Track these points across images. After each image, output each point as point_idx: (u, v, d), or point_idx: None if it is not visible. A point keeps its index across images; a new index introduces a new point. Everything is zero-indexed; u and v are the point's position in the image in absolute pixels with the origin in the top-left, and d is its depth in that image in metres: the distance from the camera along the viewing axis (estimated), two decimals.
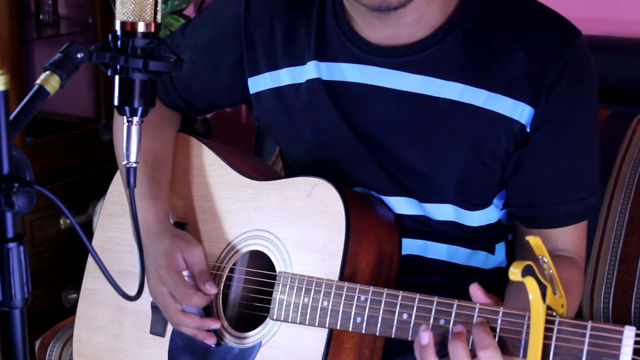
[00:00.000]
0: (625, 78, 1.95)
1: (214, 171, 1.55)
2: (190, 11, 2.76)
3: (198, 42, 1.56)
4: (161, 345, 1.52)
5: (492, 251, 1.51)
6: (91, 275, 1.65)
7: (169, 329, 1.52)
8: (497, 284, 1.49)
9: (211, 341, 1.44)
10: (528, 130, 1.37)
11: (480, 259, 1.50)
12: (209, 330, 1.45)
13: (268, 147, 2.35)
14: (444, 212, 1.45)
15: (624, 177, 1.83)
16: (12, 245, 0.94)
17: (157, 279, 1.44)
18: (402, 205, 1.45)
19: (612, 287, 1.79)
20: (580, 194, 1.42)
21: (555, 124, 1.37)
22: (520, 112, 1.36)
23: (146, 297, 1.53)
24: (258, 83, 1.51)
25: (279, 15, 1.48)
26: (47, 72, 1.03)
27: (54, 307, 2.78)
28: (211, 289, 1.42)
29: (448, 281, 1.48)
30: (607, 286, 1.80)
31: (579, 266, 1.45)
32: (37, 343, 1.90)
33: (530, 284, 1.08)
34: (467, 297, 1.21)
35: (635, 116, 1.90)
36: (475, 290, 1.19)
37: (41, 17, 2.90)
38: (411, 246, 1.46)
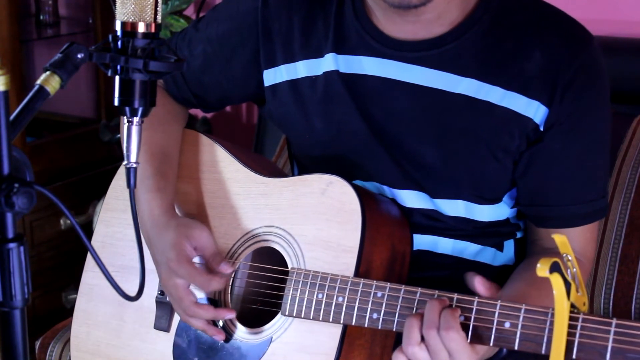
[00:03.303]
0: (625, 78, 1.95)
1: (224, 167, 1.55)
2: (190, 11, 2.76)
3: (212, 36, 1.57)
4: (165, 341, 1.52)
5: (500, 248, 1.52)
6: (91, 270, 1.65)
7: (174, 324, 1.51)
8: (504, 281, 1.49)
9: (220, 337, 1.44)
10: (541, 129, 1.39)
11: (488, 256, 1.51)
12: (216, 325, 1.45)
13: (268, 147, 2.35)
14: (454, 207, 1.46)
15: (624, 177, 1.84)
16: (12, 245, 0.94)
17: (169, 272, 1.44)
18: (413, 199, 1.46)
19: (612, 288, 1.79)
20: (590, 196, 1.44)
21: (568, 125, 1.39)
22: (534, 110, 1.38)
23: (149, 293, 1.53)
24: (274, 75, 1.52)
25: (296, 8, 1.50)
26: (47, 73, 1.03)
27: (54, 307, 2.78)
28: (227, 269, 1.42)
29: (456, 277, 1.48)
30: (607, 287, 1.80)
31: (582, 267, 1.46)
32: (38, 343, 1.90)
33: (556, 280, 1.08)
34: (475, 293, 1.22)
35: (635, 116, 1.90)
36: (477, 283, 1.20)
37: (41, 17, 2.90)
38: (421, 242, 1.48)
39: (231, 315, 1.44)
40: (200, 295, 1.46)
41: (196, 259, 1.45)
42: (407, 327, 1.22)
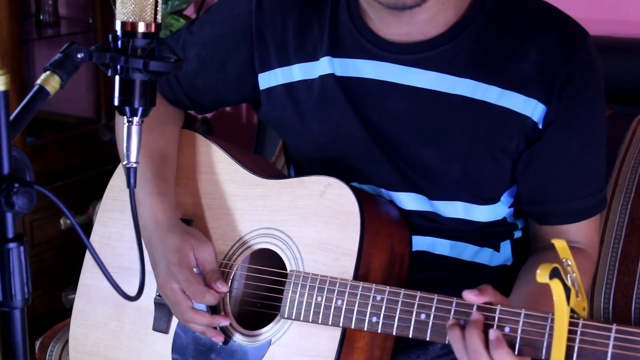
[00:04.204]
0: (625, 78, 1.95)
1: (222, 168, 1.55)
2: (190, 11, 2.76)
3: (206, 39, 1.56)
4: (164, 342, 1.52)
5: (497, 249, 1.52)
6: (89, 271, 1.64)
7: (173, 325, 1.51)
8: (501, 281, 1.50)
9: (219, 339, 1.44)
10: (540, 127, 1.40)
11: (486, 256, 1.51)
12: (215, 328, 1.45)
13: (268, 147, 2.35)
14: (453, 209, 1.46)
15: (624, 177, 1.84)
16: (12, 245, 0.94)
17: (168, 275, 1.44)
18: (411, 201, 1.46)
19: (612, 288, 1.79)
20: (590, 190, 1.45)
21: (566, 122, 1.39)
22: (532, 109, 1.38)
23: (148, 294, 1.53)
24: (269, 79, 1.52)
25: (291, 11, 1.49)
26: (47, 73, 1.03)
27: (54, 307, 2.78)
28: (222, 288, 1.43)
29: (453, 277, 1.49)
30: (607, 286, 1.80)
31: (588, 256, 1.47)
32: (38, 343, 1.90)
33: (556, 286, 1.08)
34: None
35: (635, 116, 1.90)
36: (467, 295, 1.20)
37: (41, 17, 2.90)
38: (419, 243, 1.48)
39: (226, 322, 1.44)
40: None
41: (195, 270, 1.45)
42: (452, 341, 1.21)
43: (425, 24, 1.40)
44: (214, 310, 1.46)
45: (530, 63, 1.38)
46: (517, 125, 1.39)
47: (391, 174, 1.45)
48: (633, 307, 1.77)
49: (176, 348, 1.50)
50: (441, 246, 1.49)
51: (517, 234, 1.55)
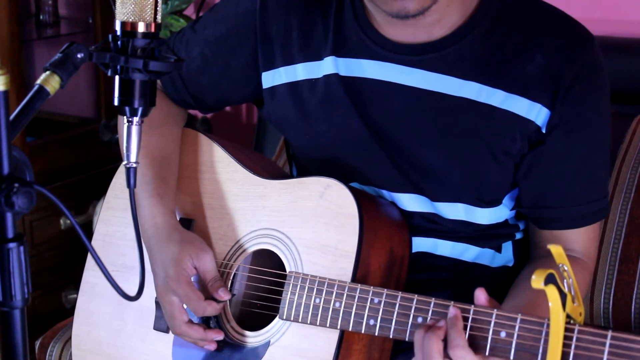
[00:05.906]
0: (625, 78, 1.95)
1: (223, 168, 1.55)
2: (190, 11, 2.76)
3: (210, 37, 1.56)
4: (165, 342, 1.52)
5: (499, 250, 1.52)
6: (92, 269, 1.64)
7: None
8: (502, 282, 1.49)
9: (211, 347, 1.44)
10: (543, 131, 1.39)
11: (487, 257, 1.51)
12: (212, 327, 1.45)
13: (268, 147, 2.35)
14: (454, 210, 1.46)
15: (624, 177, 1.83)
16: (12, 245, 0.94)
17: (166, 288, 1.44)
18: (413, 202, 1.46)
19: (612, 288, 1.79)
20: (593, 196, 1.44)
21: (570, 126, 1.39)
22: (536, 113, 1.38)
23: (150, 293, 1.52)
24: (273, 77, 1.52)
25: (295, 10, 1.49)
26: (47, 73, 1.03)
27: (54, 307, 2.78)
28: (225, 296, 1.42)
29: (454, 278, 1.49)
30: (607, 287, 1.80)
31: (584, 266, 1.46)
32: (37, 343, 1.90)
33: (551, 292, 1.08)
34: (473, 295, 1.22)
35: (635, 116, 1.90)
36: (480, 294, 1.20)
37: (41, 17, 2.90)
38: (420, 244, 1.47)
39: (219, 336, 1.44)
40: None
41: (193, 278, 1.45)
42: (415, 343, 1.22)
43: (431, 26, 1.40)
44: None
45: (535, 66, 1.37)
46: (520, 128, 1.39)
47: (393, 175, 1.45)
48: (633, 307, 1.77)
49: (176, 348, 1.50)
50: (442, 247, 1.48)
51: (519, 236, 1.55)
